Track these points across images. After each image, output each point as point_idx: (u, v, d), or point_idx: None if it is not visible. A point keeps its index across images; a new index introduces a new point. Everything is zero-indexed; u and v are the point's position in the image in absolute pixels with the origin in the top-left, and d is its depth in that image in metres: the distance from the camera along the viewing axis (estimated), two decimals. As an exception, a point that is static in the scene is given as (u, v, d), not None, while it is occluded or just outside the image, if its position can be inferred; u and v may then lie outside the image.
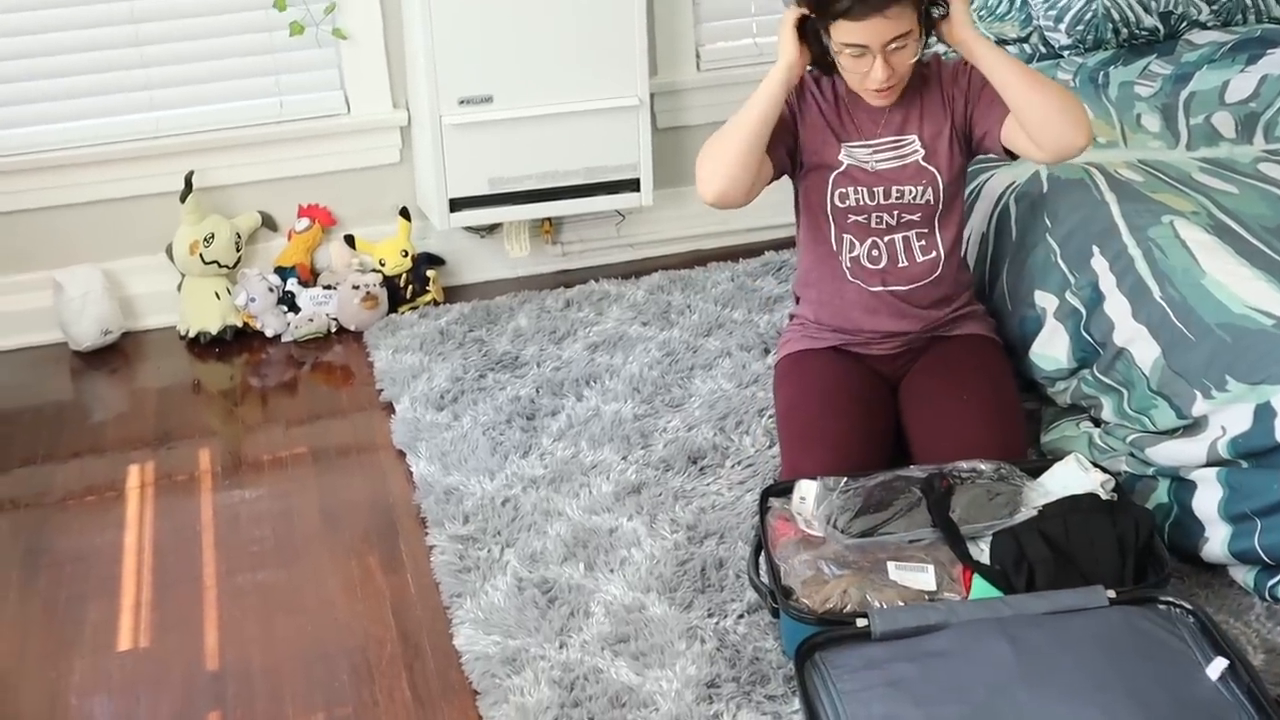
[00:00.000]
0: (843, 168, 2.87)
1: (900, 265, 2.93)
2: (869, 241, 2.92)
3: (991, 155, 2.91)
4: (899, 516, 2.56)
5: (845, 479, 2.61)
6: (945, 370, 2.93)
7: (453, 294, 4.05)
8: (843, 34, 2.67)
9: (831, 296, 2.99)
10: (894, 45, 2.68)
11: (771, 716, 2.44)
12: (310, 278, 4.00)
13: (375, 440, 3.39)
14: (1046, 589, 2.40)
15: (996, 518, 2.56)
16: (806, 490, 2.63)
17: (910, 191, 2.87)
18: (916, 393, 2.94)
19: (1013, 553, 2.47)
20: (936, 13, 2.73)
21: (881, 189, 2.87)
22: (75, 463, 3.38)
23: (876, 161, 2.87)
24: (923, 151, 2.87)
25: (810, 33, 2.75)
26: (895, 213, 2.89)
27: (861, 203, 2.88)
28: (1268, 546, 2.53)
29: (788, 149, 2.89)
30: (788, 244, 3.92)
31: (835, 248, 2.94)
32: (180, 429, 3.50)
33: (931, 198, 2.89)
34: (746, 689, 2.48)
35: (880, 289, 2.95)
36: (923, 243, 2.92)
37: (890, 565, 2.50)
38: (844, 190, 2.88)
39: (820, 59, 2.79)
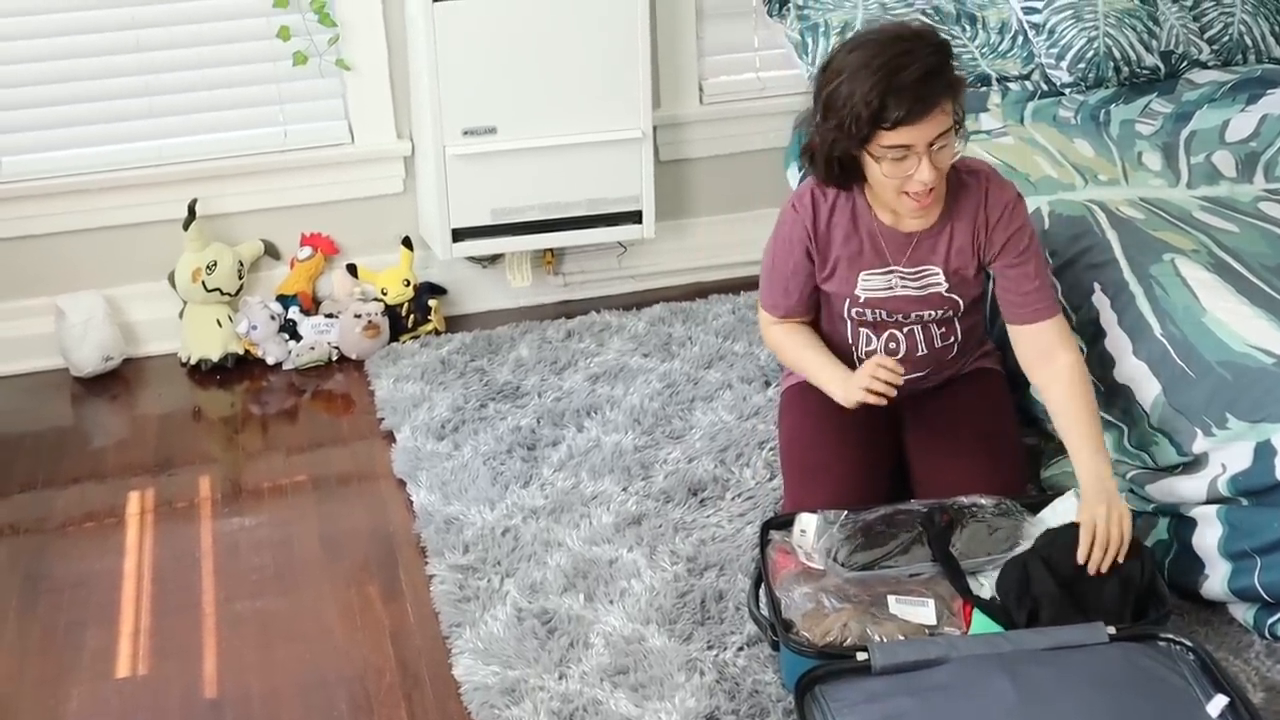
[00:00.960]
0: (860, 300, 2.82)
1: (919, 354, 2.89)
2: (886, 334, 2.88)
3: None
4: (900, 551, 2.57)
5: (846, 513, 2.61)
6: (947, 404, 2.94)
7: (454, 323, 4.06)
8: (887, 139, 2.55)
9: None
10: (938, 144, 2.56)
11: (771, 750, 2.44)
12: (312, 306, 4.00)
13: (376, 469, 3.39)
14: (1050, 624, 2.40)
15: (997, 552, 2.57)
16: (807, 523, 2.63)
17: (930, 315, 2.84)
18: (918, 426, 2.94)
19: (1018, 584, 2.47)
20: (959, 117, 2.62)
21: (900, 313, 2.83)
22: (75, 489, 3.38)
23: (896, 288, 2.80)
24: (945, 285, 2.80)
25: (833, 156, 2.66)
26: (917, 320, 2.86)
27: (880, 319, 2.84)
28: (1268, 584, 2.54)
29: (813, 297, 2.88)
30: (789, 277, 3.93)
31: (851, 340, 2.90)
32: (181, 456, 3.50)
33: (952, 314, 2.85)
34: (746, 722, 2.48)
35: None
36: (942, 330, 2.88)
37: (891, 599, 2.50)
38: (862, 311, 2.84)
39: (841, 177, 2.70)
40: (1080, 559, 2.46)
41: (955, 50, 3.71)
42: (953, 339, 2.90)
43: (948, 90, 2.55)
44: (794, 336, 2.92)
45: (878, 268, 2.78)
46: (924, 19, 3.80)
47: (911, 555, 2.56)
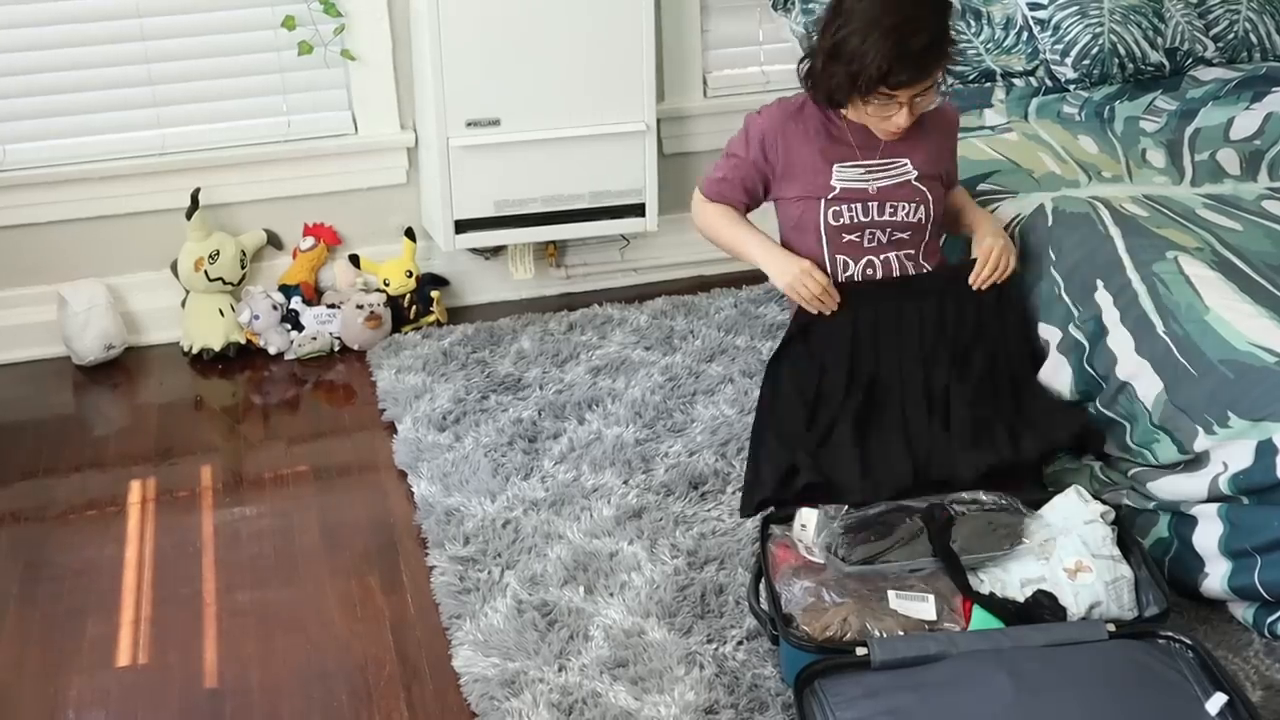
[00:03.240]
0: (835, 191, 2.92)
1: (895, 275, 2.99)
2: (864, 260, 2.96)
3: (996, 188, 2.95)
4: (900, 545, 2.57)
5: (846, 508, 2.62)
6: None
7: (456, 315, 4.06)
8: (881, 92, 2.79)
9: None
10: (920, 97, 2.82)
11: (770, 744, 2.44)
12: (314, 296, 4.00)
13: (377, 460, 3.39)
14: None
15: (997, 549, 2.57)
16: (807, 518, 2.63)
17: (904, 209, 2.94)
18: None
19: None
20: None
21: (875, 204, 2.93)
22: (76, 477, 3.38)
23: (870, 180, 2.93)
24: (915, 173, 2.95)
25: (831, 87, 2.86)
26: (888, 230, 2.95)
27: (855, 219, 2.94)
28: (1267, 583, 2.54)
29: (753, 196, 3.03)
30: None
31: (828, 267, 2.97)
32: (182, 445, 3.51)
33: (923, 217, 2.96)
34: (745, 716, 2.48)
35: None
36: (910, 265, 2.99)
37: (891, 594, 2.50)
38: (838, 209, 2.93)
39: (832, 102, 2.90)
40: (972, 279, 2.91)
41: (960, 45, 3.75)
42: (926, 268, 3.02)
43: (946, 53, 2.80)
44: (730, 214, 3.06)
45: (849, 161, 2.93)
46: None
47: (912, 549, 2.56)
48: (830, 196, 2.92)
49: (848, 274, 2.97)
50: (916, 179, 2.95)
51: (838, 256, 2.97)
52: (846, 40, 2.76)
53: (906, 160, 2.95)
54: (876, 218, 2.94)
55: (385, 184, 4.06)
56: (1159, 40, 3.74)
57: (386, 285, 3.98)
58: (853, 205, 2.93)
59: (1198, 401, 2.65)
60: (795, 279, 2.90)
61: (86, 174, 3.84)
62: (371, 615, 2.85)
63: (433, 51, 3.65)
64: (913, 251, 2.99)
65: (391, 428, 3.49)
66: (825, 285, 2.88)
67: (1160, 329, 2.79)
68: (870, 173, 2.93)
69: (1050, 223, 3.15)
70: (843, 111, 2.93)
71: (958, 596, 2.50)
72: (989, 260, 2.93)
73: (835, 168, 2.93)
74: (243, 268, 3.95)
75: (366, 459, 3.41)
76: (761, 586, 2.60)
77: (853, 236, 2.95)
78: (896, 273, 2.98)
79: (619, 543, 2.96)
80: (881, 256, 2.97)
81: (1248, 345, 2.65)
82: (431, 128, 3.78)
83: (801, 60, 2.94)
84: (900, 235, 2.97)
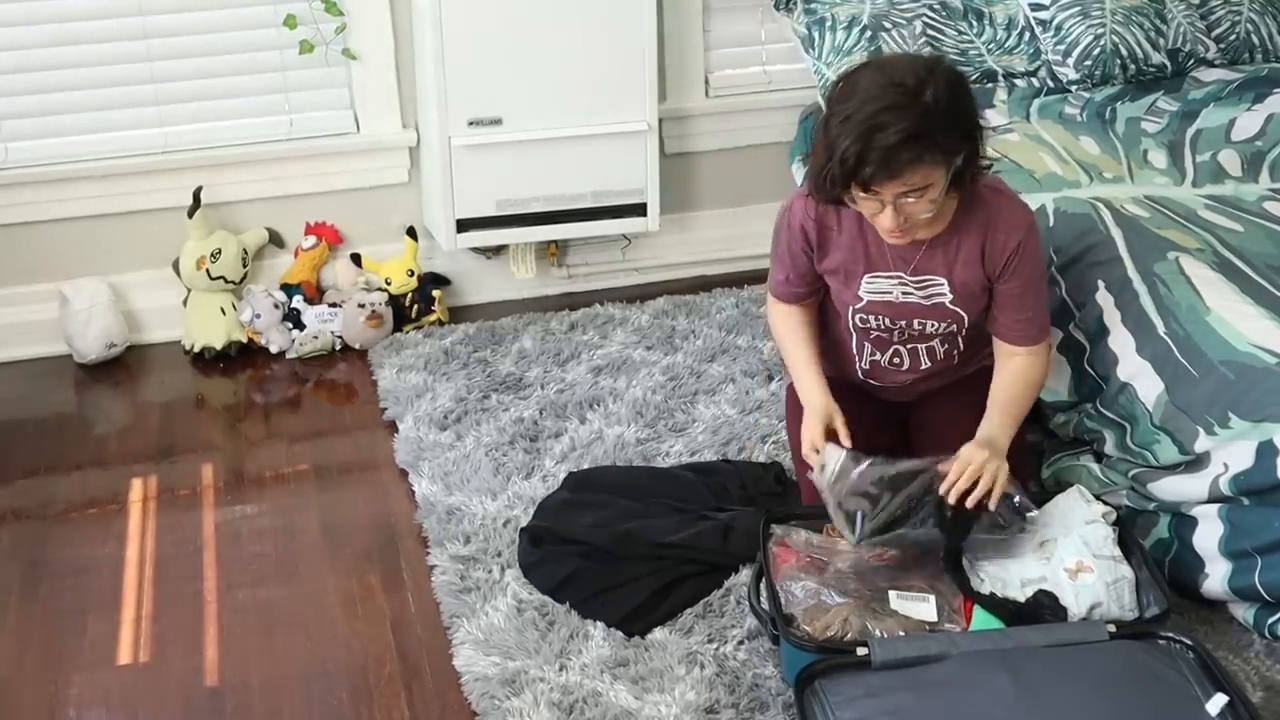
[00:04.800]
0: (862, 303, 2.79)
1: (922, 366, 2.88)
2: (891, 350, 2.86)
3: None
4: (915, 513, 2.57)
5: (871, 460, 2.58)
6: (951, 404, 2.93)
7: (458, 314, 4.06)
8: (858, 190, 2.54)
9: (836, 361, 2.96)
10: (907, 199, 2.52)
11: (770, 744, 2.44)
12: (316, 295, 4.00)
13: (378, 459, 3.39)
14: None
15: (997, 553, 2.58)
16: (831, 457, 2.61)
17: (933, 325, 2.80)
18: (922, 425, 2.93)
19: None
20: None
21: (904, 321, 2.79)
22: (77, 475, 3.39)
23: (900, 295, 2.77)
24: (950, 296, 2.75)
25: (823, 181, 2.61)
26: (919, 334, 2.83)
27: (883, 327, 2.81)
28: (1268, 584, 2.54)
29: (815, 276, 2.85)
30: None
31: (854, 350, 2.89)
32: (183, 444, 3.51)
33: (956, 328, 2.81)
34: (746, 715, 2.48)
35: (893, 377, 2.91)
36: (945, 347, 2.86)
37: (892, 595, 2.51)
38: (865, 317, 2.81)
39: (822, 192, 2.65)
40: (943, 487, 2.55)
41: (962, 46, 3.75)
42: (955, 353, 2.87)
43: (926, 154, 2.47)
44: (789, 322, 2.90)
45: (882, 271, 2.75)
46: (932, 16, 3.80)
47: (924, 512, 2.57)
48: (858, 307, 2.80)
49: (874, 358, 2.87)
50: (951, 301, 2.74)
51: (864, 344, 2.87)
52: (831, 121, 2.53)
53: (944, 280, 2.72)
54: (904, 329, 2.80)
55: (387, 183, 4.06)
56: (1161, 41, 3.74)
57: (388, 284, 3.98)
58: (880, 317, 2.80)
59: (1198, 402, 2.66)
60: (801, 435, 2.75)
61: (88, 172, 3.84)
62: (372, 614, 2.85)
63: (435, 50, 3.65)
64: (948, 347, 2.84)
65: (393, 427, 3.49)
66: (807, 457, 2.70)
67: (1161, 330, 2.79)
68: (902, 285, 2.75)
69: (1051, 223, 3.15)
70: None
71: (958, 597, 2.51)
72: (963, 474, 2.56)
73: (865, 278, 2.76)
74: (244, 266, 3.95)
75: (368, 458, 3.41)
76: (762, 586, 2.61)
77: (880, 333, 2.83)
78: (925, 364, 2.85)
79: (620, 542, 2.96)
80: (909, 347, 2.84)
81: (1248, 346, 2.65)
82: (433, 127, 3.78)
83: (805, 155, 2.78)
84: (933, 338, 2.83)
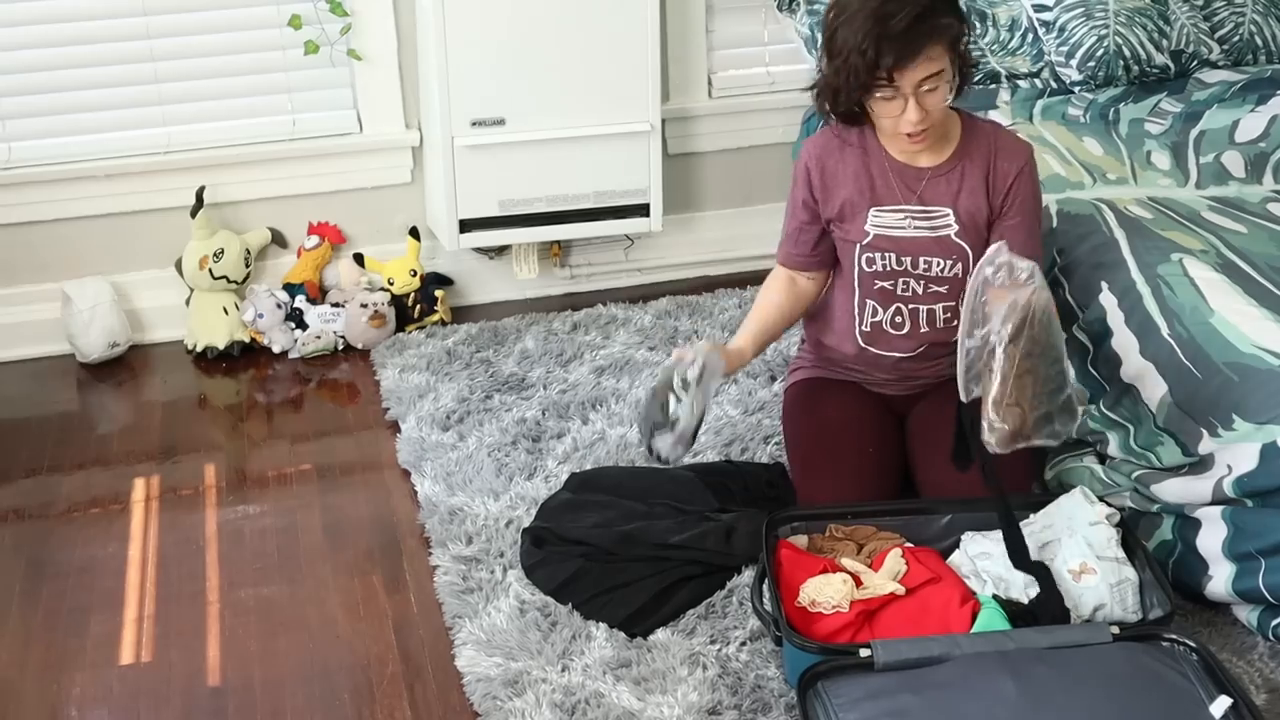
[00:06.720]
0: (869, 237, 2.82)
1: (922, 330, 2.89)
2: (893, 307, 2.88)
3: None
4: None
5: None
6: (951, 403, 2.92)
7: (460, 314, 4.06)
8: (879, 83, 2.63)
9: (837, 333, 2.98)
10: (925, 87, 2.63)
11: (772, 745, 2.44)
12: (318, 295, 4.00)
13: (380, 459, 3.39)
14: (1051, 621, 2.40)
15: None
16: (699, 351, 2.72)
17: (939, 264, 2.82)
18: (922, 425, 2.94)
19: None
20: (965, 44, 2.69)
21: (909, 259, 2.82)
22: (80, 475, 3.39)
23: (907, 228, 2.81)
24: (956, 227, 2.81)
25: (839, 97, 2.72)
26: (923, 283, 2.84)
27: (889, 268, 2.83)
28: (1271, 586, 2.53)
29: (818, 246, 2.91)
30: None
31: (856, 309, 2.90)
32: (185, 443, 3.51)
33: (960, 272, 2.82)
34: (748, 717, 2.48)
35: (892, 343, 2.92)
36: (947, 315, 2.87)
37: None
38: (871, 256, 2.83)
39: (849, 111, 2.76)
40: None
41: (972, 26, 3.73)
42: (955, 322, 2.86)
43: (936, 34, 2.60)
44: (770, 284, 2.99)
45: (888, 204, 2.80)
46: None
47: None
48: (865, 243, 2.82)
49: (875, 319, 2.89)
50: (957, 234, 2.80)
51: (867, 301, 2.88)
52: (835, 36, 2.65)
53: (949, 211, 2.80)
54: (910, 269, 2.82)
55: (390, 183, 4.06)
56: (1164, 42, 3.74)
57: (391, 284, 3.98)
58: (886, 254, 2.82)
59: (1202, 404, 2.65)
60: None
61: (91, 172, 3.84)
62: (374, 614, 2.85)
63: (438, 51, 3.65)
64: (952, 304, 2.84)
65: (395, 427, 3.49)
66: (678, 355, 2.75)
67: (1165, 331, 2.79)
68: (909, 217, 2.81)
69: (1055, 224, 3.15)
70: (880, 145, 2.80)
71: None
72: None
73: (872, 212, 2.82)
74: (247, 266, 3.95)
75: (370, 458, 3.41)
76: (765, 587, 2.60)
77: (885, 284, 2.85)
78: (925, 327, 2.88)
79: (622, 543, 2.96)
80: (911, 307, 2.86)
81: (1252, 348, 2.65)
82: (436, 127, 3.78)
83: (812, 86, 2.83)
84: (937, 288, 2.85)
